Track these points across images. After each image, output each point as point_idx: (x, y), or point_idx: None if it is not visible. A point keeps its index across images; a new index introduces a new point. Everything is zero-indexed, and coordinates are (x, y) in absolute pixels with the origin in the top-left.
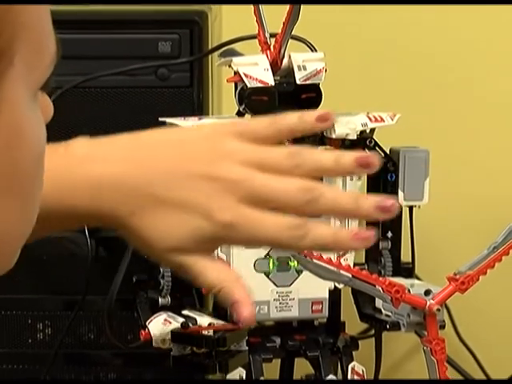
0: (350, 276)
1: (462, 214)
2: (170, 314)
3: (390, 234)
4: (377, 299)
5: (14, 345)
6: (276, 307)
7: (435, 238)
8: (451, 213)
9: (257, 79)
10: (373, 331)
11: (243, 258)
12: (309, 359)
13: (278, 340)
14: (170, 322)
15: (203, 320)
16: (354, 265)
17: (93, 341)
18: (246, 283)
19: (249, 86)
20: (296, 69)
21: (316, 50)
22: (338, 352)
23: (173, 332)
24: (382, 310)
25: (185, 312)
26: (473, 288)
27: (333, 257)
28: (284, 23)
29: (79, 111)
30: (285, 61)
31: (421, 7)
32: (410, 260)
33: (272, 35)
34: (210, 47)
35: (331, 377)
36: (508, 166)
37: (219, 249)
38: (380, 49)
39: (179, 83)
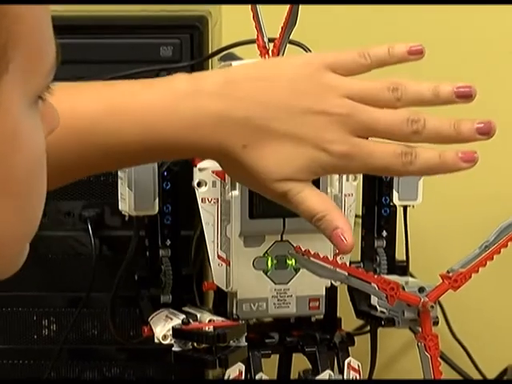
0: (346, 274)
1: (455, 214)
2: (172, 310)
3: (384, 233)
4: (372, 296)
5: (19, 341)
6: (274, 304)
7: (429, 237)
8: (444, 213)
9: None
10: (368, 327)
11: (242, 256)
12: (306, 355)
13: (276, 336)
14: (172, 319)
15: (203, 316)
16: (350, 263)
17: (96, 337)
18: (245, 281)
19: None
20: None
21: None
22: (335, 348)
23: (174, 328)
24: (378, 306)
25: (186, 309)
26: (465, 285)
27: (329, 255)
28: (282, 28)
29: None
30: None
31: (416, 12)
32: (405, 258)
33: (270, 40)
34: (210, 51)
35: (328, 372)
36: (500, 166)
37: (219, 247)
38: None
39: None
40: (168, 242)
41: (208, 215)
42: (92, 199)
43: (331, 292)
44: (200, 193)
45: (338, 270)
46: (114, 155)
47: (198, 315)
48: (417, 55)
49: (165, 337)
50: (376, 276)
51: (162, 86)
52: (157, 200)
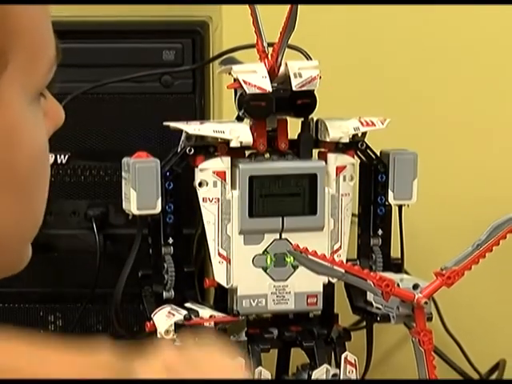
0: (343, 271)
1: (449, 213)
2: (174, 306)
3: (380, 232)
4: (368, 293)
5: None
6: (273, 300)
7: (423, 236)
8: (438, 212)
9: (255, 86)
10: (364, 323)
11: (243, 254)
12: (304, 349)
13: (275, 331)
14: (174, 315)
15: (205, 312)
16: (347, 260)
17: (101, 332)
18: (245, 277)
19: (248, 92)
20: (292, 76)
21: (311, 59)
22: (332, 342)
23: (176, 323)
24: (373, 303)
25: (187, 305)
26: (458, 282)
27: (327, 253)
28: (281, 33)
29: (89, 115)
30: (282, 68)
31: (410, 18)
32: (400, 256)
33: (270, 44)
34: (211, 56)
35: (325, 366)
36: (490, 168)
37: (220, 245)
38: (371, 58)
39: (182, 89)
40: (170, 240)
41: (209, 214)
42: (97, 199)
43: (328, 289)
44: (201, 192)
45: (335, 267)
46: None
47: (200, 311)
48: None
49: (167, 332)
50: (372, 273)
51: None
52: (159, 199)
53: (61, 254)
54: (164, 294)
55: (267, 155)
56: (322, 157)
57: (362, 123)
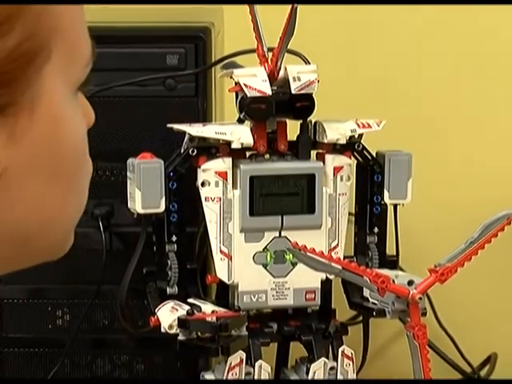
0: (340, 268)
1: (442, 212)
2: (177, 302)
3: (376, 230)
4: (364, 289)
5: (35, 330)
6: (273, 296)
7: (417, 233)
8: (432, 210)
9: (256, 89)
10: (361, 318)
11: (243, 252)
12: (303, 343)
13: (274, 326)
14: (177, 310)
15: (207, 308)
16: (344, 258)
17: (107, 326)
18: (246, 274)
19: (248, 95)
20: (291, 80)
21: (309, 63)
22: (330, 336)
23: (179, 318)
24: (369, 298)
25: (190, 300)
26: (451, 279)
27: (324, 250)
28: (280, 38)
29: (95, 118)
30: (281, 72)
31: (403, 23)
32: (395, 253)
33: (269, 49)
34: (213, 60)
35: (323, 359)
36: (483, 168)
37: (222, 243)
38: (367, 62)
39: (185, 93)
40: (174, 238)
41: (211, 213)
42: (103, 198)
43: (326, 285)
44: (204, 192)
45: (332, 264)
46: None
47: (202, 306)
48: None
49: (171, 326)
50: (368, 270)
51: None
52: (163, 199)
53: (68, 252)
54: (168, 289)
55: (267, 156)
56: (320, 158)
57: (358, 125)
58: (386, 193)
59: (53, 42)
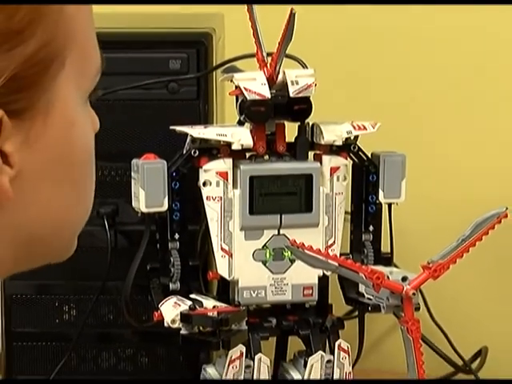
0: (337, 264)
1: (435, 211)
2: (180, 297)
3: (371, 228)
4: (360, 285)
5: (43, 325)
6: (272, 291)
7: (411, 231)
8: (425, 209)
9: (255, 92)
10: (356, 313)
11: (244, 249)
12: (301, 337)
13: (273, 320)
14: (180, 305)
15: (208, 303)
16: (340, 255)
17: (112, 321)
18: (246, 270)
19: (248, 98)
20: (289, 83)
21: (307, 67)
22: (326, 331)
23: (182, 313)
24: (365, 294)
25: (192, 296)
26: (444, 275)
27: (321, 248)
28: (279, 43)
29: (101, 120)
30: (280, 76)
31: (396, 28)
32: (389, 250)
33: (268, 54)
34: (214, 64)
35: (320, 352)
36: (474, 169)
37: (222, 240)
38: (363, 66)
39: (187, 96)
40: (176, 236)
41: (212, 212)
42: (108, 197)
43: (323, 281)
44: (205, 192)
45: (329, 261)
46: None
47: (204, 301)
48: None
49: (173, 321)
50: (363, 266)
51: None
52: (166, 198)
53: (75, 249)
54: (170, 285)
55: (266, 157)
56: (317, 158)
57: (354, 127)
58: (380, 192)
59: (67, 49)
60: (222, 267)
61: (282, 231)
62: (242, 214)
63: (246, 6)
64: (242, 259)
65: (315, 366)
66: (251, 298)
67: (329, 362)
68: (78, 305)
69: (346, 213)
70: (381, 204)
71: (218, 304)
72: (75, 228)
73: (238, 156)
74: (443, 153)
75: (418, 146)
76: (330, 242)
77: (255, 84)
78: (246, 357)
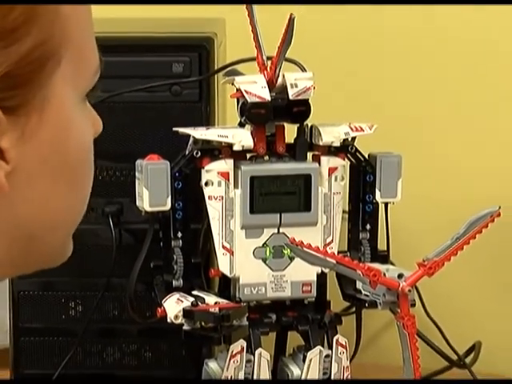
0: (335, 262)
1: (430, 210)
2: (182, 294)
3: (368, 227)
4: (357, 281)
5: (50, 320)
6: (272, 288)
7: (407, 230)
8: (421, 208)
9: (255, 95)
10: (354, 309)
11: (244, 247)
12: (300, 332)
13: (273, 316)
14: (182, 301)
15: (210, 299)
16: (338, 252)
17: (117, 317)
18: (246, 268)
19: (249, 101)
20: (289, 86)
21: (306, 71)
22: (325, 326)
23: (184, 309)
24: (362, 290)
25: (194, 292)
26: (439, 272)
27: (320, 246)
28: (279, 48)
29: (106, 122)
30: (279, 79)
31: (392, 31)
32: (386, 248)
33: (268, 58)
34: (215, 68)
35: (319, 347)
36: (466, 169)
37: (224, 238)
38: (360, 70)
39: (190, 98)
40: (179, 234)
41: (214, 211)
42: (113, 197)
43: (321, 278)
44: (207, 191)
45: (327, 258)
46: None
47: (206, 298)
48: None
49: (176, 317)
50: (361, 264)
51: None
52: (169, 197)
53: (81, 247)
54: (173, 282)
55: (266, 157)
56: (316, 159)
57: (351, 129)
58: (377, 192)
59: (63, 48)
60: (223, 265)
61: (281, 230)
62: (243, 213)
63: (246, 11)
64: (242, 257)
65: (314, 360)
66: (252, 295)
67: (327, 356)
68: (84, 301)
69: (343, 212)
70: (377, 203)
71: (220, 300)
72: (67, 229)
73: (238, 157)
74: (439, 153)
75: (413, 146)
76: (328, 240)
77: (256, 87)
78: (247, 351)
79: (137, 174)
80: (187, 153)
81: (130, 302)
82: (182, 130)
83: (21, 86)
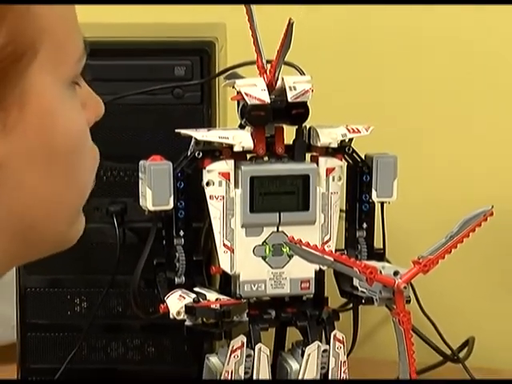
0: (332, 260)
1: (425, 209)
2: (184, 290)
3: (365, 226)
4: (354, 279)
5: (56, 316)
6: (271, 285)
7: (403, 229)
8: (416, 207)
9: (255, 98)
10: (351, 305)
11: (244, 245)
12: (298, 328)
13: (273, 312)
14: (184, 298)
15: (211, 296)
16: (336, 250)
17: (121, 313)
18: (246, 265)
19: (249, 103)
20: (288, 89)
21: (304, 74)
22: (323, 322)
23: (186, 306)
24: (359, 287)
25: (196, 289)
26: (433, 270)
27: (318, 244)
28: (278, 51)
29: (110, 124)
30: (279, 82)
31: (388, 33)
32: (382, 246)
33: (268, 61)
34: (217, 71)
35: (317, 343)
36: (461, 169)
37: (225, 237)
38: (358, 73)
39: (192, 101)
40: (181, 233)
41: (215, 210)
42: (117, 197)
43: (319, 275)
44: (208, 191)
45: (325, 256)
46: None
47: (207, 294)
48: None
49: (178, 313)
50: (357, 261)
51: None
52: (172, 197)
53: (86, 246)
54: (176, 279)
55: (266, 158)
56: (314, 160)
57: (348, 130)
58: (373, 192)
59: (38, 41)
60: (224, 262)
61: (280, 228)
62: (243, 212)
63: (246, 16)
64: (243, 255)
65: (312, 355)
66: (251, 292)
67: (325, 351)
68: (89, 298)
69: (341, 211)
70: (374, 203)
71: (221, 297)
72: (68, 214)
73: (239, 157)
74: (433, 154)
75: (408, 148)
76: (325, 239)
77: (255, 90)
78: (247, 346)
79: (140, 174)
80: (189, 154)
81: (133, 299)
82: (183, 131)
83: None
